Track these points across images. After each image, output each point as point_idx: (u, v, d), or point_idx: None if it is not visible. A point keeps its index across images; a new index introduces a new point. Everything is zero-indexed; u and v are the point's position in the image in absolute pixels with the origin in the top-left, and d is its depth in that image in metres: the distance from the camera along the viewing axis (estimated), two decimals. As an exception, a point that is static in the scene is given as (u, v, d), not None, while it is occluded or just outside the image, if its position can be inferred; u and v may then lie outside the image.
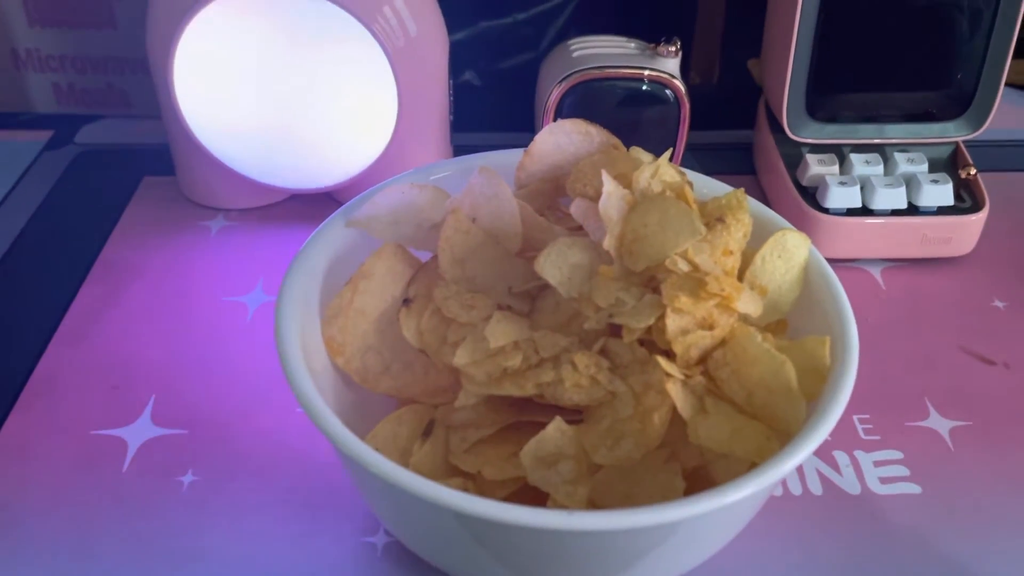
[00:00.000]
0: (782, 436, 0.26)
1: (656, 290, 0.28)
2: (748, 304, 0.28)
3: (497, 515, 0.23)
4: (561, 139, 0.33)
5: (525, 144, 0.33)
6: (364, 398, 0.31)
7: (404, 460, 0.29)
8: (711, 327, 0.28)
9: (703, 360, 0.28)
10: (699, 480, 0.28)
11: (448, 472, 0.29)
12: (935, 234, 0.43)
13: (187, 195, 0.48)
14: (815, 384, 0.27)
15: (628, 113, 0.45)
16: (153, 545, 0.31)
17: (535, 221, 0.32)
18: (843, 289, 0.30)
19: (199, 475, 0.33)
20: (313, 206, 0.47)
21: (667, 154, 0.32)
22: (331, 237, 0.32)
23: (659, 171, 0.31)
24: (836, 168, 0.44)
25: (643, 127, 0.45)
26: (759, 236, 0.31)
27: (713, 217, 0.29)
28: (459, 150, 0.47)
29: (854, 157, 0.44)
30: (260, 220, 0.46)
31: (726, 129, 0.54)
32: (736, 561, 0.31)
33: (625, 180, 0.31)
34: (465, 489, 0.28)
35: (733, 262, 0.29)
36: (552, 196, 0.35)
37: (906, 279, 0.44)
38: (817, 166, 0.44)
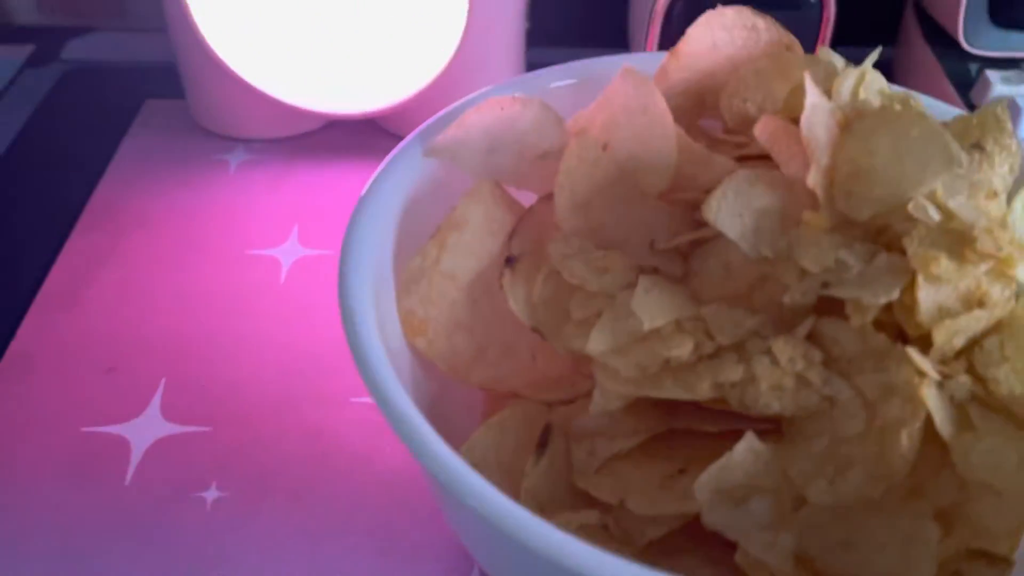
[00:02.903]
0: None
1: (891, 248, 0.19)
2: (1031, 270, 0.19)
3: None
4: (719, 35, 0.25)
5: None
6: (442, 391, 0.24)
7: (510, 482, 0.21)
8: (980, 304, 0.19)
9: (966, 353, 0.19)
10: (948, 524, 0.19)
11: (573, 499, 0.22)
12: None
13: (200, 122, 0.41)
14: None
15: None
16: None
17: (690, 149, 0.23)
18: None
19: (226, 490, 0.26)
20: (355, 136, 0.40)
21: (874, 54, 0.23)
22: (406, 172, 0.23)
23: (865, 79, 0.22)
24: (1025, 88, 0.35)
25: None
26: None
27: (967, 143, 0.20)
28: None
29: (1046, 74, 0.35)
30: (290, 153, 0.39)
31: (854, 46, 0.44)
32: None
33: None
34: (603, 525, 0.21)
35: (998, 209, 0.20)
36: (692, 115, 0.26)
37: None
38: (1002, 85, 0.35)
